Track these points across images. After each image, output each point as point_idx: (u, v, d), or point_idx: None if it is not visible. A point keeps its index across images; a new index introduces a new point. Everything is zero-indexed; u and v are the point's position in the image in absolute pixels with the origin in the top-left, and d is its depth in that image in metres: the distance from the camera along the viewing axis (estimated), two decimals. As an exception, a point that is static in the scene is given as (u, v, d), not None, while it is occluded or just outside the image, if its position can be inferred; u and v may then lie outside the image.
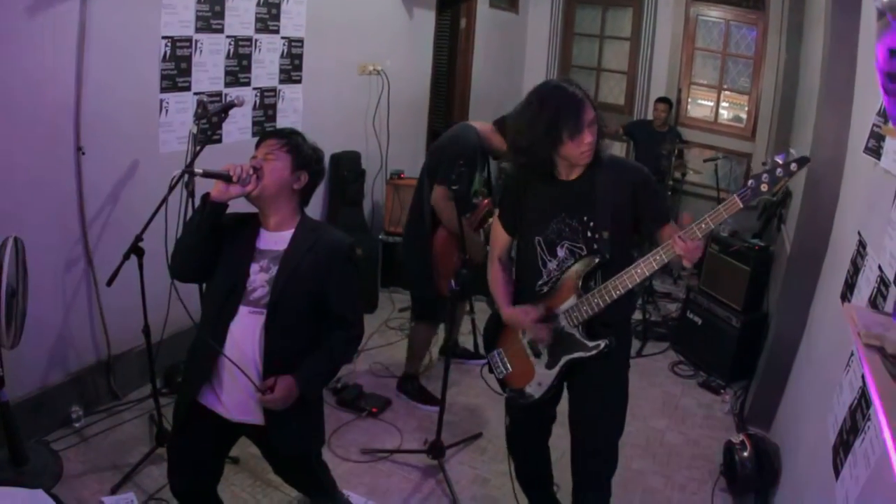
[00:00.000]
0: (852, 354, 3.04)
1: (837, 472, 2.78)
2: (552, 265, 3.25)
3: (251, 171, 2.95)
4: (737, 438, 4.41)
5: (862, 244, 3.36)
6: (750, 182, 2.78)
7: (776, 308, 5.09)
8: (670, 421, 5.23)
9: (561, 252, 3.21)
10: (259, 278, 3.01)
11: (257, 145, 3.12)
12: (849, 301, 3.39)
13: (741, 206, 2.78)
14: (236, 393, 3.01)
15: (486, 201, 4.99)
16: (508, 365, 3.51)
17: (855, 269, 3.40)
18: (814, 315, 4.51)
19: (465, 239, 4.42)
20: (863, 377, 2.73)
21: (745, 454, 4.26)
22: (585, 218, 3.15)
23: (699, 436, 5.04)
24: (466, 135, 4.87)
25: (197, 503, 3.35)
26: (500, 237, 3.50)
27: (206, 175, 2.96)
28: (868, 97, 3.72)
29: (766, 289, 5.97)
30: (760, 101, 8.58)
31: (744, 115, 8.94)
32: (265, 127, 5.67)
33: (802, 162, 2.74)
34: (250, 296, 2.99)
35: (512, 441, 3.77)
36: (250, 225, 3.10)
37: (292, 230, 3.09)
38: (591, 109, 3.06)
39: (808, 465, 3.59)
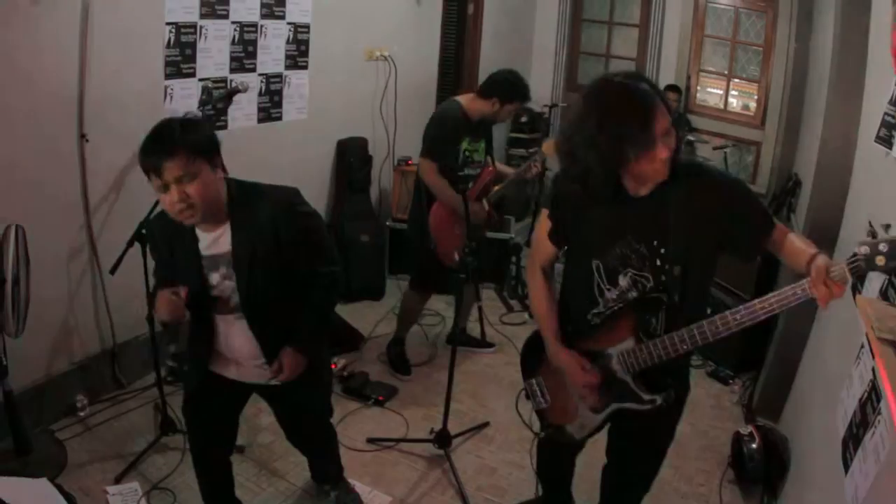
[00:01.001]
0: (862, 346, 3.00)
1: (847, 466, 2.75)
2: (610, 295, 2.78)
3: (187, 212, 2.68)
4: (745, 430, 4.39)
5: (873, 234, 3.32)
6: (863, 250, 2.13)
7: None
8: (678, 411, 5.18)
9: (623, 282, 2.73)
10: (226, 287, 2.93)
11: (150, 173, 2.66)
12: (859, 293, 3.35)
13: (849, 278, 2.20)
14: (244, 365, 3.09)
15: (489, 169, 5.04)
16: (548, 397, 3.15)
17: (866, 259, 3.36)
18: (823, 306, 4.48)
19: (452, 201, 4.71)
20: (874, 370, 2.70)
21: (754, 446, 4.23)
22: (655, 243, 2.63)
23: (707, 427, 5.01)
24: (446, 109, 5.01)
25: (213, 464, 3.42)
26: (544, 246, 2.97)
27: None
28: (879, 86, 3.68)
29: (775, 278, 5.93)
30: (770, 90, 8.51)
31: (753, 104, 8.88)
32: (271, 113, 5.66)
33: None
34: (227, 304, 2.96)
35: (541, 450, 3.56)
36: (184, 234, 2.87)
37: (227, 222, 2.87)
38: (665, 114, 2.42)
39: (816, 457, 3.56)
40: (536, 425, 3.43)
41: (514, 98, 4.95)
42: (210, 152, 2.73)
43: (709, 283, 2.85)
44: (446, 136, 4.89)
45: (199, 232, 2.87)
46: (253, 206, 2.89)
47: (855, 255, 2.15)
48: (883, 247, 2.08)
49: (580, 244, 2.84)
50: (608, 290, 2.76)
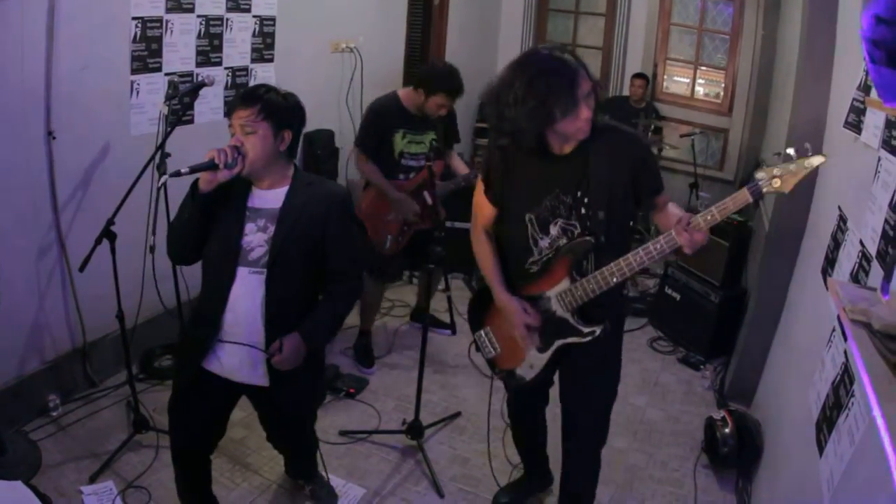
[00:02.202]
0: (834, 330, 3.03)
1: (821, 449, 2.78)
2: (544, 243, 3.07)
3: (235, 154, 2.89)
4: (718, 415, 4.42)
5: (842, 219, 3.35)
6: (760, 175, 2.63)
7: (755, 283, 5.10)
8: (650, 398, 5.23)
9: (554, 230, 3.03)
10: (257, 238, 3.01)
11: (229, 115, 3.00)
12: (830, 276, 3.38)
13: (750, 199, 2.66)
14: (239, 356, 3.05)
15: (437, 163, 5.00)
16: (497, 345, 3.41)
17: (836, 243, 3.40)
18: (793, 290, 4.52)
19: (391, 198, 4.85)
20: (846, 353, 2.73)
21: (727, 430, 4.26)
22: (579, 194, 2.96)
23: (679, 412, 5.04)
24: (381, 99, 5.08)
25: (193, 463, 3.40)
26: (485, 209, 3.24)
27: (194, 171, 2.88)
28: (848, 72, 3.71)
29: (744, 264, 5.97)
30: (737, 77, 8.57)
31: (720, 91, 8.93)
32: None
33: (820, 158, 2.57)
34: (248, 256, 3.00)
35: (510, 408, 3.83)
36: (240, 184, 3.04)
37: (286, 187, 3.07)
38: (587, 79, 2.78)
39: (790, 441, 3.60)
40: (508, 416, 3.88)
41: (437, 89, 4.87)
42: (281, 120, 2.96)
43: (628, 224, 3.25)
44: (374, 125, 4.98)
45: (254, 188, 3.06)
46: (313, 188, 3.11)
47: (753, 179, 2.64)
48: (777, 171, 2.58)
49: (513, 200, 3.12)
50: (541, 238, 3.07)
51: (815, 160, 2.56)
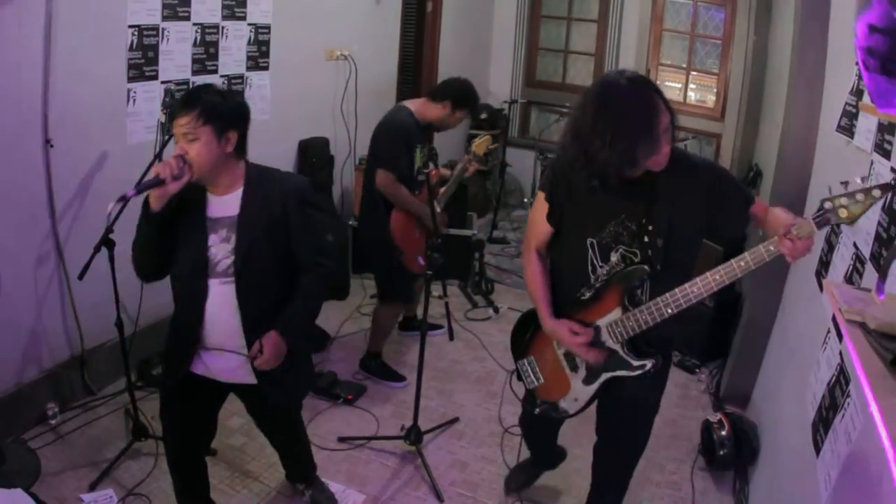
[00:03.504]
0: (829, 331, 3.06)
1: (818, 449, 2.80)
2: (602, 271, 2.96)
3: (181, 163, 2.80)
4: (714, 417, 4.44)
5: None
6: (827, 205, 2.46)
7: (750, 287, 5.11)
8: (647, 401, 5.22)
9: (614, 257, 2.92)
10: (221, 249, 2.97)
11: (170, 122, 2.91)
12: (824, 279, 3.41)
13: (815, 230, 2.49)
14: (224, 358, 3.05)
15: (433, 171, 4.94)
16: (540, 376, 3.32)
17: (829, 247, 3.43)
18: (788, 293, 4.54)
19: (422, 215, 4.72)
20: (841, 354, 2.76)
21: (724, 433, 4.29)
22: (644, 221, 2.85)
23: (676, 416, 5.06)
24: (398, 116, 4.92)
25: (190, 470, 3.43)
26: (541, 227, 3.13)
27: (141, 191, 2.82)
28: (840, 76, 3.73)
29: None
30: (729, 82, 8.59)
31: (713, 97, 8.96)
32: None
33: (886, 189, 2.38)
34: (217, 267, 2.97)
35: (524, 427, 3.89)
36: (195, 192, 2.98)
37: (240, 189, 3.01)
38: (665, 112, 2.65)
39: (786, 442, 3.62)
40: (506, 421, 4.24)
41: (466, 105, 4.97)
42: (223, 122, 2.86)
43: (691, 257, 3.01)
44: (403, 145, 4.83)
45: (209, 195, 3.00)
46: (268, 185, 3.04)
47: (821, 208, 2.46)
48: (844, 200, 2.40)
49: (576, 224, 3.00)
50: (600, 266, 2.95)
51: (882, 188, 2.39)
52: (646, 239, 2.85)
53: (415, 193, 4.90)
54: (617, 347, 2.98)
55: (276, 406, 3.34)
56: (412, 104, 5.01)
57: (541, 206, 3.10)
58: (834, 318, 2.75)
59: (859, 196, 2.39)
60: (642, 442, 3.40)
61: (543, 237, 3.14)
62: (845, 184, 2.43)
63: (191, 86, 5.00)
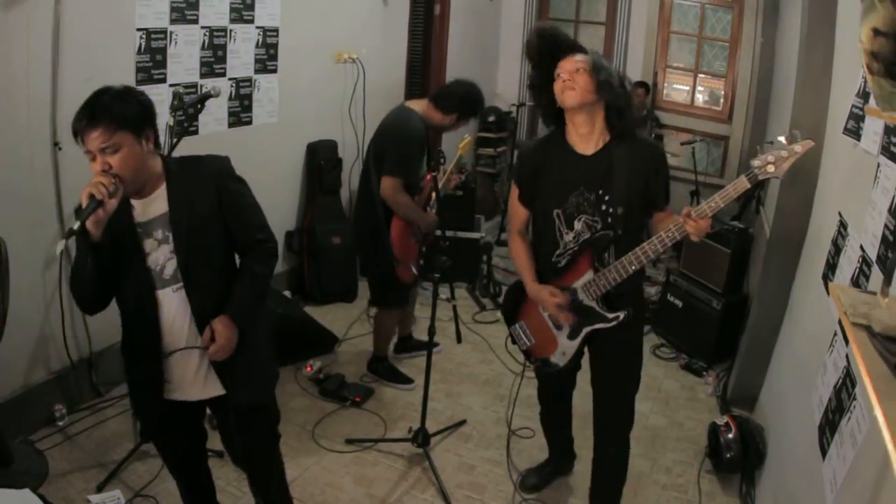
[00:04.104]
0: (835, 334, 3.05)
1: (824, 452, 2.80)
2: (568, 237, 3.39)
3: (111, 178, 2.56)
4: (721, 420, 4.44)
5: (843, 224, 3.38)
6: (755, 162, 2.84)
7: (757, 290, 5.11)
8: (654, 404, 5.25)
9: (578, 225, 3.35)
10: (161, 253, 2.78)
11: (78, 138, 2.62)
12: (831, 281, 3.41)
13: (748, 185, 2.85)
14: (189, 375, 2.92)
15: (428, 177, 4.92)
16: (532, 337, 3.74)
17: (836, 249, 3.42)
18: (795, 296, 4.54)
19: (419, 222, 4.74)
20: (847, 357, 2.76)
21: (730, 436, 4.29)
22: (601, 192, 3.27)
23: (683, 418, 5.06)
24: (410, 123, 4.81)
25: (193, 478, 3.41)
26: (518, 212, 3.61)
27: (83, 219, 2.51)
28: (847, 78, 3.73)
29: (746, 271, 5.99)
30: (737, 84, 8.60)
31: (720, 98, 8.95)
32: (241, 118, 5.67)
33: (807, 146, 2.79)
34: (162, 275, 2.79)
35: (541, 393, 4.12)
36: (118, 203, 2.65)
37: (163, 185, 2.78)
38: (569, 59, 3.25)
39: (793, 445, 3.61)
40: (513, 423, 4.45)
41: (473, 115, 4.98)
42: (138, 125, 2.63)
43: (643, 220, 3.45)
44: (416, 151, 4.77)
45: (132, 201, 2.75)
46: (190, 170, 2.85)
47: (749, 168, 2.85)
48: (771, 157, 2.79)
49: (543, 199, 3.45)
50: (567, 233, 3.39)
51: (803, 145, 2.79)
52: (603, 208, 3.28)
53: (414, 198, 4.83)
54: (593, 304, 3.41)
55: (244, 406, 3.06)
56: (417, 107, 4.94)
57: (514, 192, 3.62)
58: (840, 321, 2.75)
59: (783, 153, 2.78)
60: (632, 384, 3.67)
61: (521, 219, 3.62)
62: (770, 143, 2.82)
63: (199, 89, 5.02)
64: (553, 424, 4.24)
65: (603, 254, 3.35)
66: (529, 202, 3.54)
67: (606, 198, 3.26)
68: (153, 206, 2.77)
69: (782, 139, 2.78)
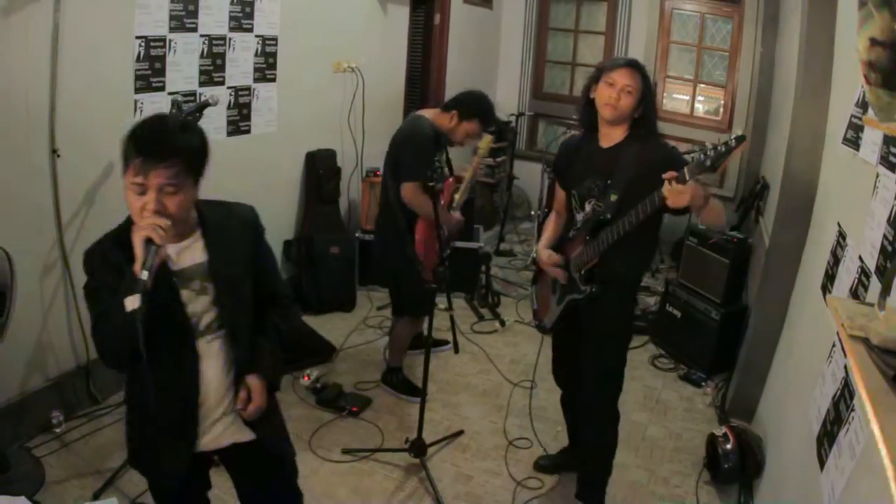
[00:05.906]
0: (834, 345, 3.04)
1: (822, 463, 2.79)
2: (579, 217, 3.76)
3: (168, 222, 2.30)
4: (719, 431, 4.43)
5: (842, 235, 3.37)
6: (698, 156, 3.08)
7: (756, 300, 5.11)
8: (652, 414, 5.25)
9: (588, 207, 3.70)
10: (200, 303, 2.58)
11: (143, 170, 2.29)
12: (829, 292, 3.40)
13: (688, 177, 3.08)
14: (219, 424, 2.74)
15: (449, 180, 4.97)
16: (538, 301, 4.27)
17: (835, 259, 3.41)
18: (793, 306, 4.53)
19: (442, 219, 4.61)
20: (846, 367, 2.75)
21: (729, 446, 4.28)
22: (608, 181, 3.59)
23: (681, 429, 5.05)
24: (420, 128, 4.83)
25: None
26: (559, 193, 4.05)
27: (149, 268, 2.24)
28: (846, 88, 3.73)
29: (745, 281, 5.99)
30: (736, 94, 8.61)
31: (720, 108, 8.96)
32: (240, 126, 5.66)
33: (740, 139, 2.99)
34: (200, 326, 2.59)
35: (556, 375, 4.36)
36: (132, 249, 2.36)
37: (199, 231, 2.58)
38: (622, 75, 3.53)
39: (791, 456, 3.60)
40: (511, 434, 4.71)
41: (473, 116, 4.88)
42: (201, 167, 2.46)
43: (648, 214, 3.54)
44: (428, 155, 4.69)
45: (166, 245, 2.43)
46: (223, 217, 2.67)
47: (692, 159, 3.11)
48: (712, 153, 3.02)
49: (570, 181, 3.83)
50: (579, 213, 3.77)
51: (737, 140, 3.00)
52: (605, 193, 3.60)
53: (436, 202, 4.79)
54: (576, 276, 3.79)
55: (277, 455, 2.94)
56: (428, 113, 4.96)
57: (556, 180, 4.10)
58: (838, 333, 2.74)
59: (721, 148, 3.00)
60: (609, 360, 3.87)
61: (560, 199, 4.04)
62: (710, 145, 3.08)
63: (198, 97, 5.02)
64: (567, 409, 4.42)
65: (597, 233, 3.62)
66: (563, 184, 3.94)
67: (608, 185, 3.59)
68: (188, 254, 2.56)
69: (723, 137, 3.09)
